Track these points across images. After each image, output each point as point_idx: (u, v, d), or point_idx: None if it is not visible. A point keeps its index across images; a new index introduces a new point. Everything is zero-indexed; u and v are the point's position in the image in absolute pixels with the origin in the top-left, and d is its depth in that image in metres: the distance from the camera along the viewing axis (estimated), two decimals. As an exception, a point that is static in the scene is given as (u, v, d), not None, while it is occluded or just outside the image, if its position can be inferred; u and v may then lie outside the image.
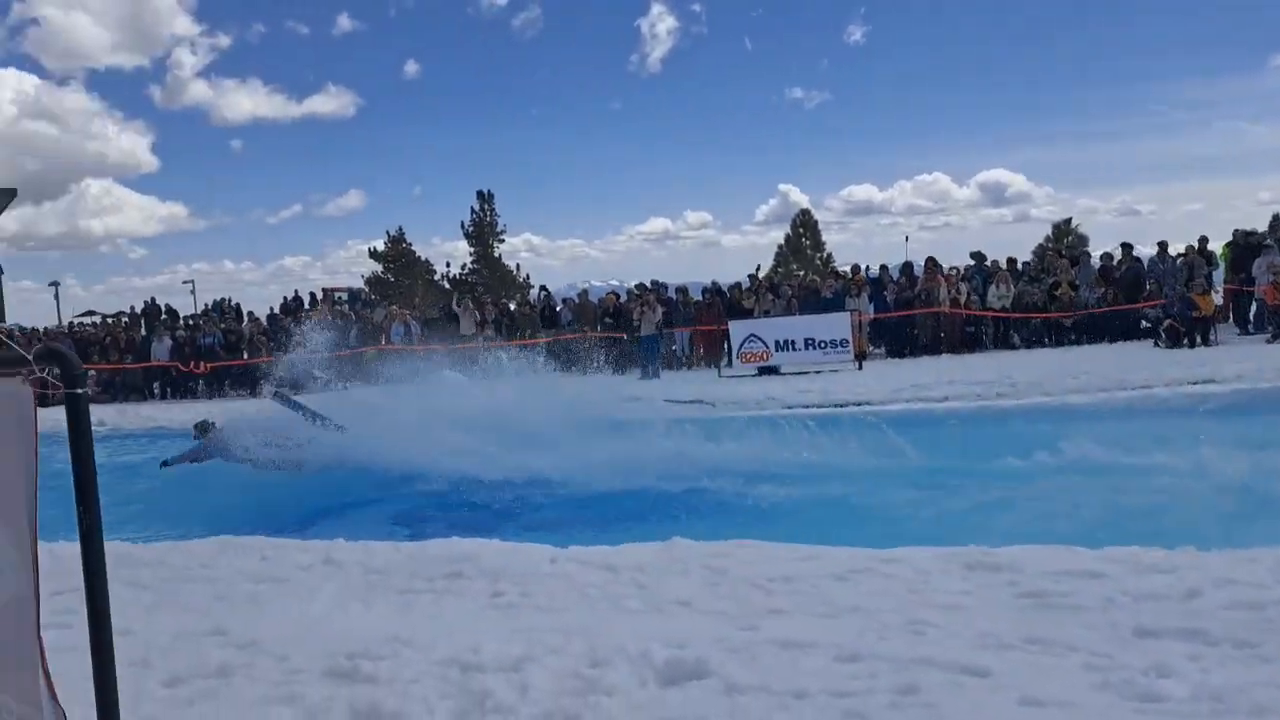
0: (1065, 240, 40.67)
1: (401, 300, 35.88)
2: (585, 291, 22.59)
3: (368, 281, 46.90)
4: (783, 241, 43.55)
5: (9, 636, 2.22)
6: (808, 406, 12.28)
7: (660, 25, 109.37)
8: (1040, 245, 38.07)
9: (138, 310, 27.14)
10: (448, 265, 50.79)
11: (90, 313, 37.37)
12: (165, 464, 10.66)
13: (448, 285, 49.32)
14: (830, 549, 5.36)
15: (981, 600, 4.60)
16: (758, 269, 21.97)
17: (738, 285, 20.90)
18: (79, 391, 2.17)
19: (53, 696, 2.23)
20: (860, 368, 16.26)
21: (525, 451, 10.63)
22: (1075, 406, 11.43)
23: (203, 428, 10.72)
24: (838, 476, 8.52)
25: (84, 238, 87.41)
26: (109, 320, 29.92)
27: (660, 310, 18.52)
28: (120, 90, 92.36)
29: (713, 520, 7.32)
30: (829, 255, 42.33)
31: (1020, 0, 77.52)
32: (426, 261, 51.47)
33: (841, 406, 12.09)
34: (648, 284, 21.65)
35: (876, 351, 19.14)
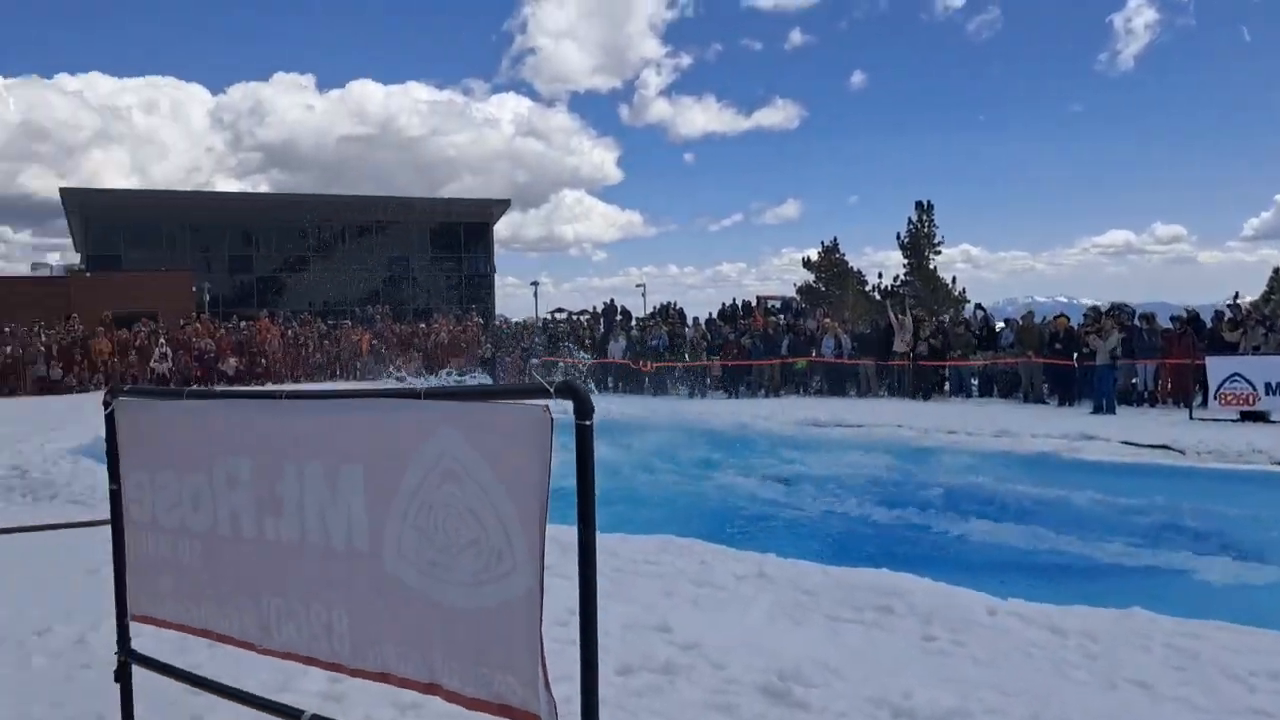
0: None
1: (832, 310, 36.19)
2: (1030, 312, 21.07)
3: (799, 290, 47.91)
4: None
5: (520, 625, 2.57)
6: (1305, 464, 10.38)
7: (1138, 19, 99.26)
8: None
9: (598, 310, 30.17)
10: (879, 276, 50.36)
11: (560, 309, 42.20)
12: None
13: (878, 296, 48.89)
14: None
15: None
16: (1236, 295, 18.94)
17: (1219, 314, 18.24)
18: (587, 423, 2.46)
19: (546, 684, 2.54)
20: (1378, 422, 13.47)
21: (951, 480, 10.20)
22: None
23: None
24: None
25: (558, 241, 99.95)
26: (575, 317, 33.61)
27: (1118, 336, 16.72)
28: (596, 110, 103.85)
29: (1175, 592, 6.45)
30: (1341, 281, 35.43)
31: None
32: (858, 272, 51.47)
33: (1351, 469, 10.07)
34: (1102, 306, 19.70)
35: (1403, 403, 15.69)
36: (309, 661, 3.04)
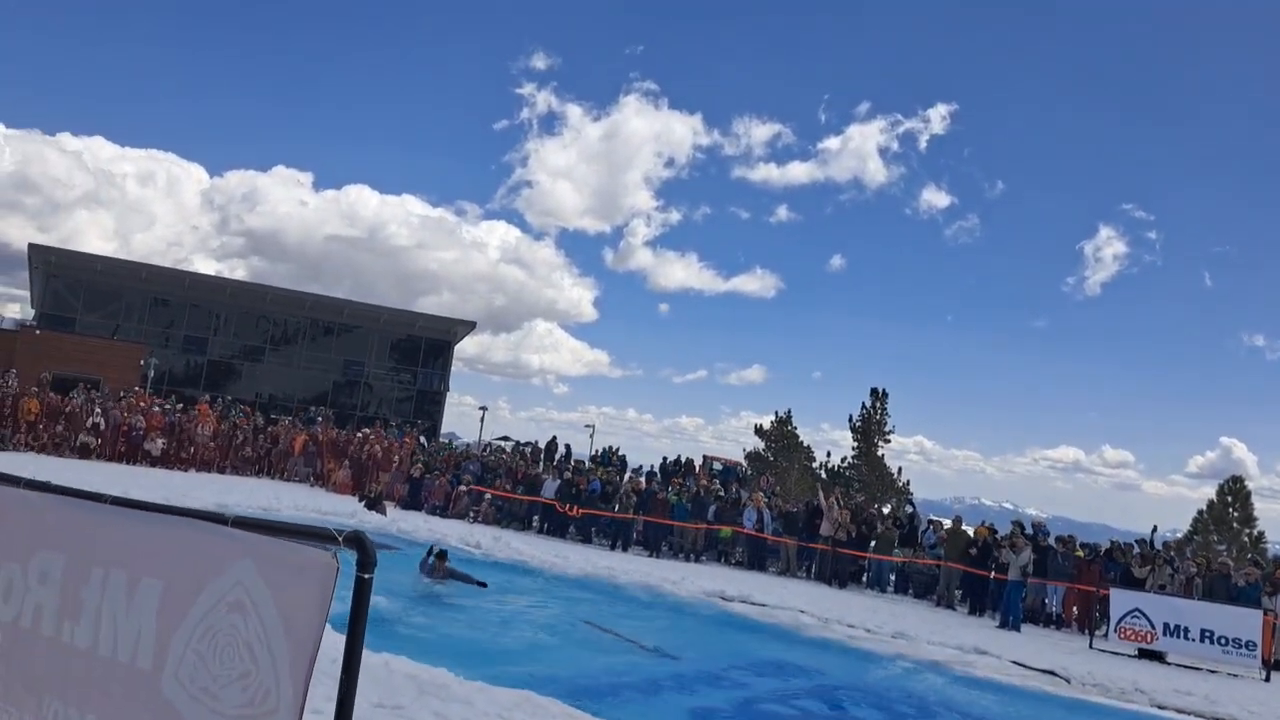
0: None
1: (777, 480, 36.30)
2: (959, 517, 21.39)
3: (748, 456, 48.23)
4: (1205, 507, 38.06)
5: (271, 767, 2.59)
6: (1182, 711, 10.45)
7: (1107, 250, 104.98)
8: None
9: (541, 445, 30.12)
10: (828, 455, 51.00)
11: (505, 438, 42.15)
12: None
13: (824, 475, 49.31)
14: None
15: None
16: (1154, 529, 19.33)
17: (1130, 548, 18.64)
18: (366, 576, 2.57)
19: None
20: (1268, 679, 13.63)
21: (831, 677, 10.15)
22: None
23: (440, 555, 13.15)
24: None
25: (522, 368, 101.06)
26: (520, 446, 33.56)
27: (1029, 554, 16.99)
28: (581, 249, 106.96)
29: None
30: (1260, 534, 36.23)
31: None
32: (808, 448, 52.01)
33: (1226, 723, 10.16)
34: (1041, 518, 20.10)
35: (1299, 663, 15.97)
36: (68, 772, 2.99)
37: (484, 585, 12.73)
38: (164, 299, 45.57)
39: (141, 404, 27.14)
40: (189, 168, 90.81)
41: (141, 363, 38.99)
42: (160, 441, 25.08)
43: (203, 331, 46.38)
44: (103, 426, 24.52)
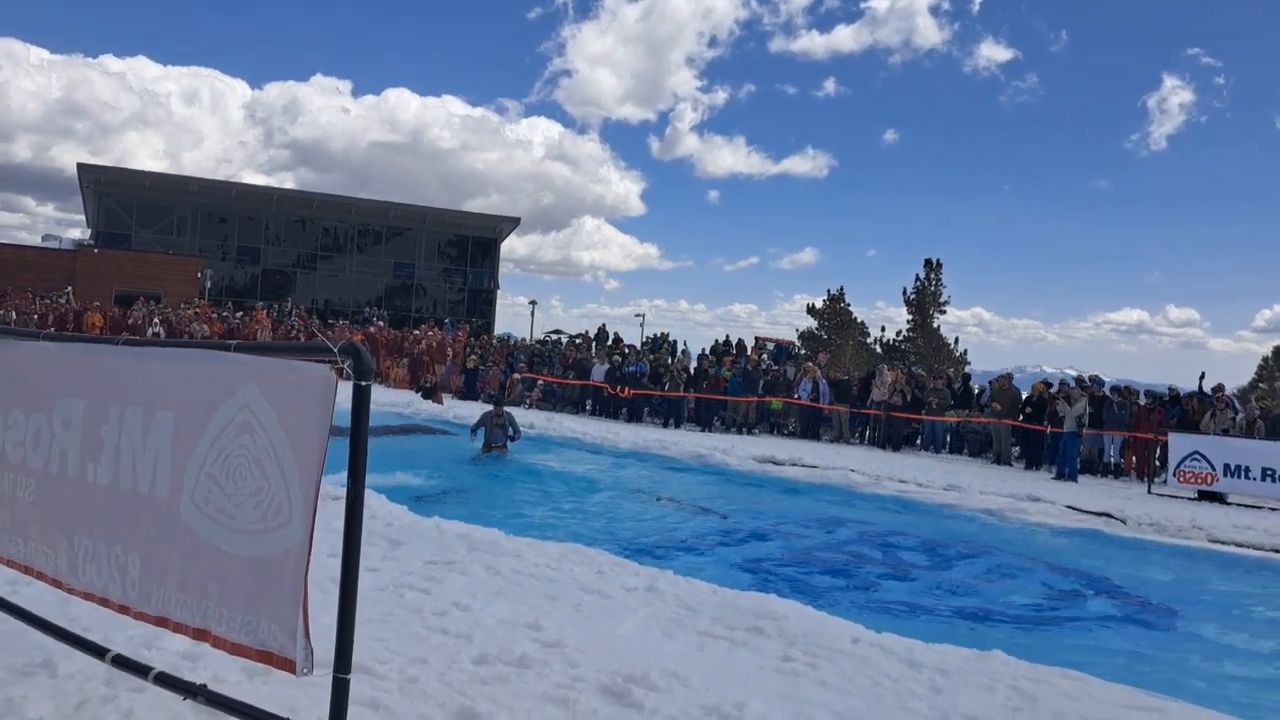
0: None
1: (831, 359, 36.18)
2: (1009, 374, 21.14)
3: (801, 335, 48.00)
4: (1270, 354, 37.13)
5: (287, 575, 2.67)
6: (1241, 545, 10.39)
7: (1173, 99, 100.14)
8: None
9: (591, 335, 30.31)
10: (883, 330, 50.49)
11: (557, 331, 42.47)
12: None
13: (879, 350, 49.03)
14: (1176, 704, 4.54)
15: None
16: (1202, 376, 18.77)
17: (1192, 395, 18.26)
18: (364, 384, 2.59)
19: (306, 633, 2.64)
20: (1331, 513, 13.46)
21: (877, 524, 10.28)
22: None
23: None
24: (1231, 632, 7.12)
25: (573, 266, 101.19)
26: (574, 340, 33.81)
27: (1084, 406, 16.75)
28: (625, 140, 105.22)
29: (1050, 642, 6.48)
30: (1329, 377, 35.39)
31: None
32: (861, 324, 51.62)
33: (1283, 553, 10.09)
34: (1085, 379, 19.78)
35: (1365, 499, 15.71)
36: (103, 603, 3.13)
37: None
38: (214, 212, 46.05)
39: (204, 313, 27.85)
40: (231, 83, 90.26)
41: (199, 275, 39.75)
42: (221, 348, 25.73)
43: (255, 242, 46.92)
44: (163, 335, 25.19)
